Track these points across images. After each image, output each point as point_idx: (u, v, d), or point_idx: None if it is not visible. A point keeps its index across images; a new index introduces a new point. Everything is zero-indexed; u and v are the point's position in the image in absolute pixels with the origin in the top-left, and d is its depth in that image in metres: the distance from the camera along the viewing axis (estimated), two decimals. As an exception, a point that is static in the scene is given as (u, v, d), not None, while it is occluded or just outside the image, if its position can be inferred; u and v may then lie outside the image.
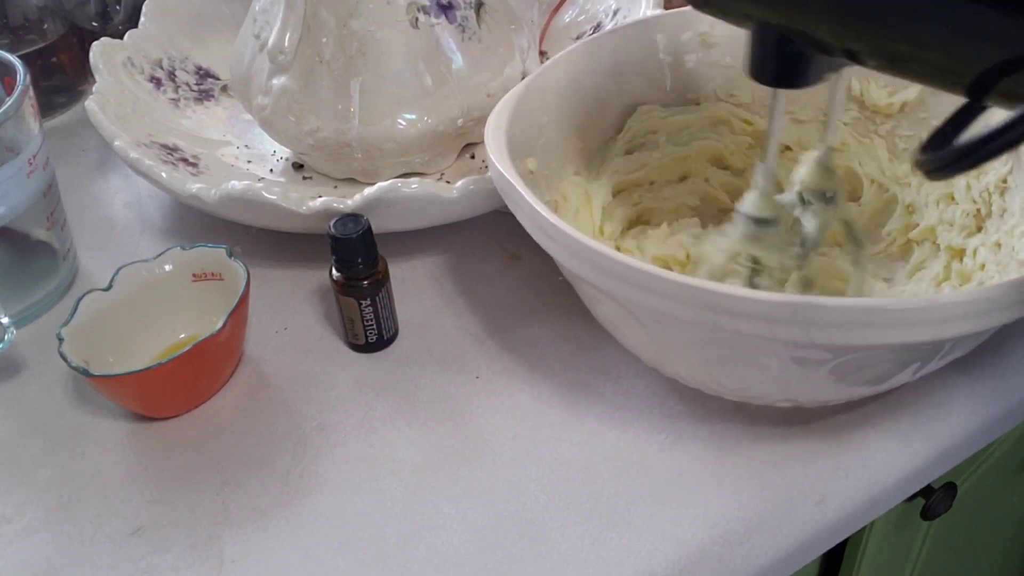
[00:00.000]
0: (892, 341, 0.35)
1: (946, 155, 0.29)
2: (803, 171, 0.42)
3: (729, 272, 0.44)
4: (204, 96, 0.68)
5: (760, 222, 0.42)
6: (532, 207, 0.40)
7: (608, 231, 0.51)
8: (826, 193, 0.42)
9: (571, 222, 0.44)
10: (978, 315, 0.35)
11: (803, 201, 0.43)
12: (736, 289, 0.35)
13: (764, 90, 0.39)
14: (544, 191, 0.48)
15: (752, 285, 0.44)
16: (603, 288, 0.39)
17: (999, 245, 0.45)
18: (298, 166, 0.62)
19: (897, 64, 0.33)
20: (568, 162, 0.51)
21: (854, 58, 0.34)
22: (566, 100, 0.51)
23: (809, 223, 0.43)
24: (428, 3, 0.55)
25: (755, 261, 0.43)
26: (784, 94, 0.39)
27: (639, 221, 0.55)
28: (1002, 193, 0.46)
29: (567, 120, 0.51)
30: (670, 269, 0.51)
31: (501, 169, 0.43)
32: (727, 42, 0.53)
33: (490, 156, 0.44)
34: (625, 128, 0.53)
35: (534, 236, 0.41)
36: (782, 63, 0.36)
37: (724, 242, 0.43)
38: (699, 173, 0.55)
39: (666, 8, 0.64)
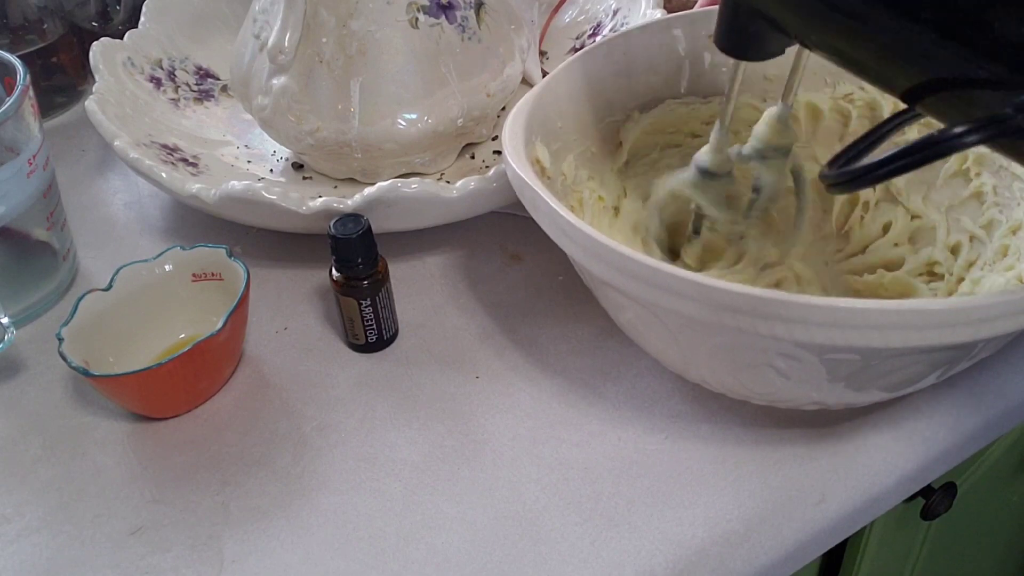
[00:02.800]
0: (930, 343, 0.34)
1: (848, 172, 0.33)
2: (761, 128, 0.45)
3: (674, 209, 0.48)
4: (204, 96, 0.68)
5: (706, 173, 0.45)
6: (554, 210, 0.40)
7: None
8: (782, 149, 0.45)
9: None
10: (1016, 315, 0.35)
11: (762, 156, 0.45)
12: (772, 293, 0.35)
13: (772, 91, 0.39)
14: (561, 196, 0.48)
15: (695, 229, 0.48)
16: (631, 294, 0.38)
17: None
18: (298, 166, 0.62)
19: (840, 60, 0.35)
20: (581, 167, 0.51)
21: (806, 45, 0.37)
22: (578, 104, 0.51)
23: (765, 176, 0.46)
24: (428, 3, 0.55)
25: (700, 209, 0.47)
26: (744, 65, 0.42)
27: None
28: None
29: (580, 124, 0.51)
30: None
31: (521, 174, 0.42)
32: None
33: (509, 161, 0.43)
34: (625, 130, 0.53)
35: (555, 239, 0.41)
36: (744, 37, 0.39)
37: (671, 181, 0.47)
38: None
39: (667, 10, 0.65)
